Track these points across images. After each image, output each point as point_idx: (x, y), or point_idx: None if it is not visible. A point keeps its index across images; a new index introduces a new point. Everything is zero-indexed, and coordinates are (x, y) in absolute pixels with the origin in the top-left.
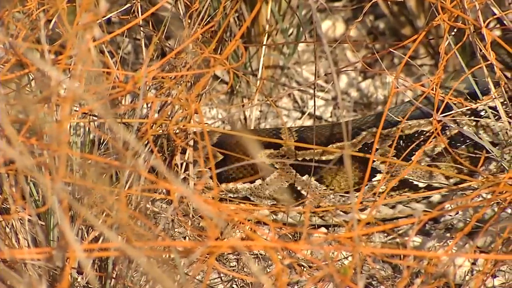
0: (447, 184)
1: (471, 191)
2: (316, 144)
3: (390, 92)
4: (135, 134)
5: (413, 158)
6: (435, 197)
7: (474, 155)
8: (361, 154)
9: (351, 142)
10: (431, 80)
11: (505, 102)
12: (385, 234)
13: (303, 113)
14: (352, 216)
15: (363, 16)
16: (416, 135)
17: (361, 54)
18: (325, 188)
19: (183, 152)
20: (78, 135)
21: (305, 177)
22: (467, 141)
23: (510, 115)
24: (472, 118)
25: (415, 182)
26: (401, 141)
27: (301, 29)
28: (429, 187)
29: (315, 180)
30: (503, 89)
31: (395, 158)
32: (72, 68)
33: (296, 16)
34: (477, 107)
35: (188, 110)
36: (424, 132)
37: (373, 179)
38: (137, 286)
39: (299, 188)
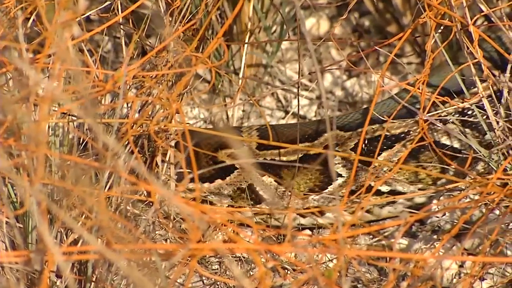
0: (412, 190)
1: (458, 192)
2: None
3: (376, 91)
4: (115, 135)
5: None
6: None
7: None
8: (322, 151)
9: (313, 143)
10: (417, 79)
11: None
12: (371, 236)
13: (286, 112)
14: (337, 218)
15: (347, 14)
16: (379, 138)
17: (346, 52)
18: (284, 189)
19: (164, 152)
20: (56, 136)
21: (264, 178)
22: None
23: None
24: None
25: (379, 187)
26: (364, 145)
27: (285, 26)
28: (392, 192)
29: (274, 181)
30: (491, 88)
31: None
32: (51, 67)
33: (279, 13)
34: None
35: (169, 110)
36: (388, 136)
37: (334, 183)
38: None
39: (257, 189)
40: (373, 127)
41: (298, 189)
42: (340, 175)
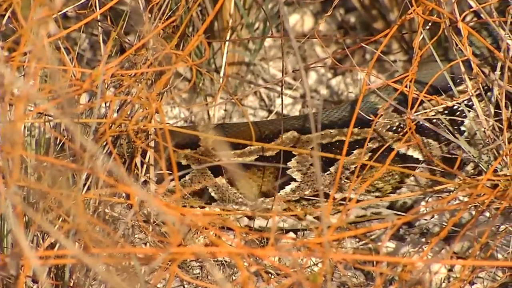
0: (368, 199)
1: (447, 193)
2: (233, 144)
3: (362, 90)
4: (93, 135)
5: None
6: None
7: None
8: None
9: (269, 144)
10: (404, 77)
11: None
12: (357, 239)
13: (270, 112)
14: (323, 221)
15: (333, 10)
16: (337, 143)
17: (331, 49)
18: (235, 191)
19: (144, 153)
20: (32, 136)
21: (218, 179)
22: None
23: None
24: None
25: (331, 193)
26: (322, 149)
27: (268, 23)
28: (344, 200)
29: (227, 182)
30: (480, 86)
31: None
32: (26, 65)
33: (262, 10)
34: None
35: (149, 110)
36: (339, 142)
37: (286, 187)
38: None
39: (210, 190)
40: (331, 131)
41: (249, 192)
42: (293, 179)
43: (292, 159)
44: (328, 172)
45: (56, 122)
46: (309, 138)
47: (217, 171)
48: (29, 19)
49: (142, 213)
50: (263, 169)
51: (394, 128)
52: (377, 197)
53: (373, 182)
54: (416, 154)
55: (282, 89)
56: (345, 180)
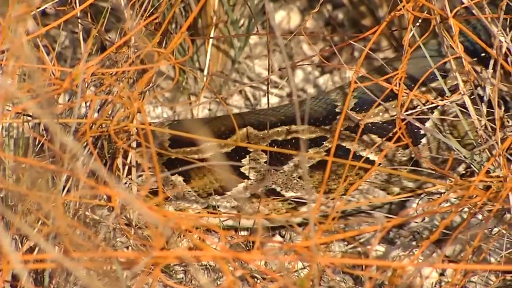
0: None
1: (438, 195)
2: (190, 141)
3: (350, 88)
4: (73, 136)
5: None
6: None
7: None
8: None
9: (225, 141)
10: (394, 75)
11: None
12: (346, 243)
13: None
14: (310, 223)
15: (320, 6)
16: (293, 141)
17: (318, 47)
18: (190, 189)
19: (125, 154)
20: (11, 137)
21: (174, 177)
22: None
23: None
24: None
25: (282, 192)
26: (275, 146)
27: (253, 20)
28: (296, 200)
29: (183, 180)
30: (473, 84)
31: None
32: (4, 64)
33: (247, 6)
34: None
35: (131, 109)
36: (295, 140)
37: (239, 185)
38: None
39: (165, 188)
40: (288, 128)
41: (203, 189)
42: (246, 177)
43: (247, 156)
44: (281, 171)
45: (35, 122)
46: (264, 134)
47: (173, 169)
48: (7, 16)
49: (124, 216)
50: (217, 166)
51: (352, 127)
52: (326, 198)
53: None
54: (372, 157)
55: (268, 88)
56: (298, 179)
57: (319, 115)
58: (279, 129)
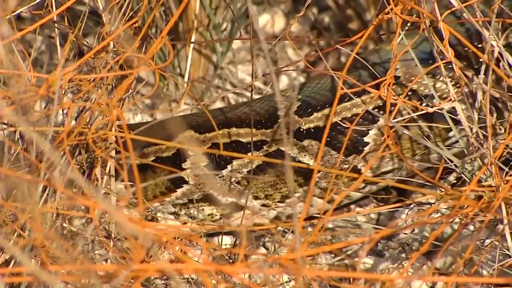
0: (254, 205)
1: (428, 205)
2: (139, 144)
3: (336, 94)
4: (49, 144)
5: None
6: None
7: None
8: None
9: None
10: (382, 81)
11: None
12: (332, 255)
13: None
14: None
15: (305, 9)
16: (234, 144)
17: (303, 52)
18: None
19: (104, 163)
20: None
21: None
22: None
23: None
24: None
25: (219, 197)
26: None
27: (236, 24)
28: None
29: (124, 186)
30: (464, 91)
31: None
32: None
33: (230, 9)
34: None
35: (109, 117)
36: (237, 143)
37: (178, 190)
38: None
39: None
40: (229, 130)
41: (145, 195)
42: (186, 182)
43: (188, 160)
44: (220, 175)
45: (10, 130)
46: (206, 137)
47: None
48: None
49: (102, 227)
50: (158, 171)
51: (295, 130)
52: (263, 205)
53: (263, 188)
54: (307, 160)
55: (252, 94)
56: (236, 184)
57: (261, 118)
58: (220, 132)
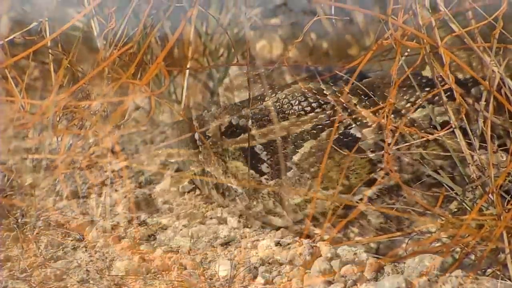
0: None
1: (428, 234)
2: None
3: (336, 120)
4: (43, 172)
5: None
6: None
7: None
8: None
9: None
10: (382, 107)
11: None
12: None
13: None
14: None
15: (303, 35)
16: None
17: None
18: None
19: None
20: None
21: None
22: None
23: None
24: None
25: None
26: None
27: (233, 50)
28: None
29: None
30: (464, 117)
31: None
32: None
33: (226, 35)
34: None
35: (104, 144)
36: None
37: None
38: None
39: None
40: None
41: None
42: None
43: None
44: None
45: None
46: None
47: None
48: None
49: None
50: None
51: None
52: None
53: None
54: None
55: (248, 120)
56: None
57: (190, 138)
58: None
